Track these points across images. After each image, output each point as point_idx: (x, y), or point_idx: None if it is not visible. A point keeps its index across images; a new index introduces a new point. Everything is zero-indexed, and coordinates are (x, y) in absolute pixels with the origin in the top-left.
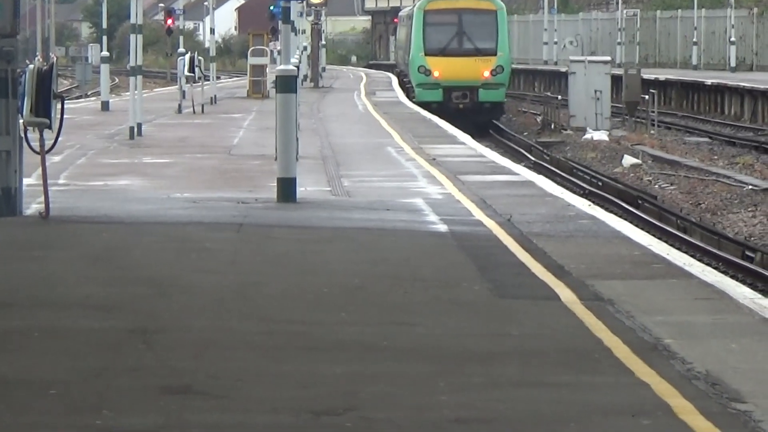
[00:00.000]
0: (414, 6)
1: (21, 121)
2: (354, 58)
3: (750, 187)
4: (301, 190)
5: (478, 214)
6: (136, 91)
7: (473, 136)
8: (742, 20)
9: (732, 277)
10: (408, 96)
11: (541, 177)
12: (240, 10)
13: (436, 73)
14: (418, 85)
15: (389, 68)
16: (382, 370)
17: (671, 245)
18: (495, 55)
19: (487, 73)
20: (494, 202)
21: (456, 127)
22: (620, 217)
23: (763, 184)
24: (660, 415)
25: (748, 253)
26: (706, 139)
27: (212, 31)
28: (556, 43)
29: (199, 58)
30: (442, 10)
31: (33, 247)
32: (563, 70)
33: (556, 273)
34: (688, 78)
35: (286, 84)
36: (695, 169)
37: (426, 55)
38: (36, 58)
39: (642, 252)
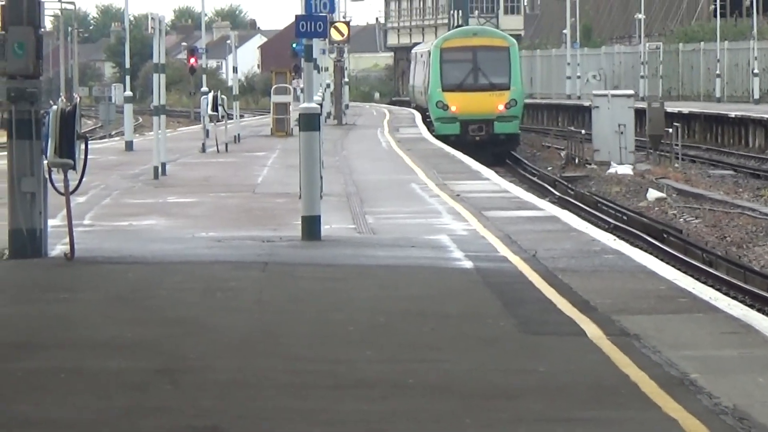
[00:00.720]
0: (431, 44)
1: (45, 162)
2: (377, 95)
3: None
4: (326, 228)
5: (503, 250)
6: (159, 131)
7: (490, 167)
8: (765, 52)
9: (758, 310)
10: (429, 130)
11: (566, 212)
12: (263, 48)
13: (453, 108)
14: (437, 119)
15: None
16: (408, 407)
17: (697, 279)
18: (509, 89)
19: (501, 107)
20: (519, 238)
21: (473, 158)
22: (645, 251)
23: None
24: None
25: None
26: (731, 172)
27: (235, 69)
28: (579, 77)
29: (223, 96)
30: (458, 48)
31: (58, 288)
32: (587, 104)
33: (582, 308)
34: (711, 111)
35: (310, 122)
36: (720, 202)
37: (443, 90)
38: (59, 99)
39: (668, 286)
